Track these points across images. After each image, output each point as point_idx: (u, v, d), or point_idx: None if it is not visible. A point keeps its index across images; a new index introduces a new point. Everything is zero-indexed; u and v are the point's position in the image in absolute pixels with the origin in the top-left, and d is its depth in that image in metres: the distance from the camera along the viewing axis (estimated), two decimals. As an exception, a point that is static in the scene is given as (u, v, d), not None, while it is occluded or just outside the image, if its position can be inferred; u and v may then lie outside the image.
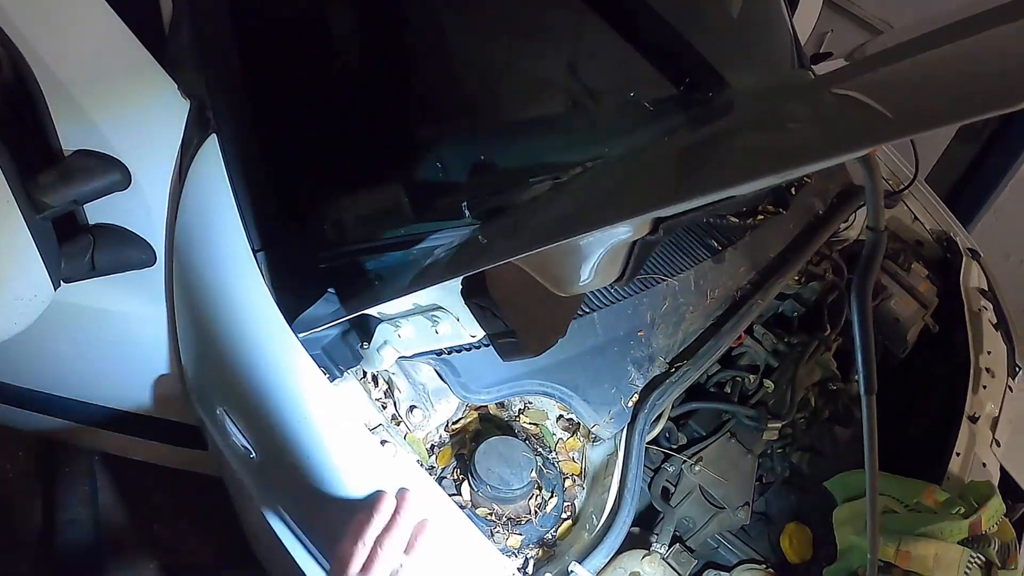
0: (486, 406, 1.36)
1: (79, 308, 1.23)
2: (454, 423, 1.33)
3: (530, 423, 1.37)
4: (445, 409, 1.21)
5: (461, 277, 0.91)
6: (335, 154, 1.22)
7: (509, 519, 1.24)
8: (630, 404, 1.30)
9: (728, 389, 1.58)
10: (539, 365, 1.21)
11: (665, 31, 1.49)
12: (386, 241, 1.18)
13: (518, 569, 1.10)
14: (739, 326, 1.47)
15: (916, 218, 2.12)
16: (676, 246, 1.51)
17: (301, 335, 1.06)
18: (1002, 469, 1.59)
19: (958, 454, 1.52)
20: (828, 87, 0.75)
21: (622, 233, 0.90)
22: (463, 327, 1.01)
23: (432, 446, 1.29)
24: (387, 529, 0.92)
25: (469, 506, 1.24)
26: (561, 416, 1.37)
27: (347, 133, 1.22)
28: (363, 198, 1.22)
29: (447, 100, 1.34)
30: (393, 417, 1.20)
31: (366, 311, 1.04)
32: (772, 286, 1.56)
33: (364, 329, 1.13)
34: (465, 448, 1.29)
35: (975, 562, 1.27)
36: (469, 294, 0.92)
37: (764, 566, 1.39)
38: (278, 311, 1.06)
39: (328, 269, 1.14)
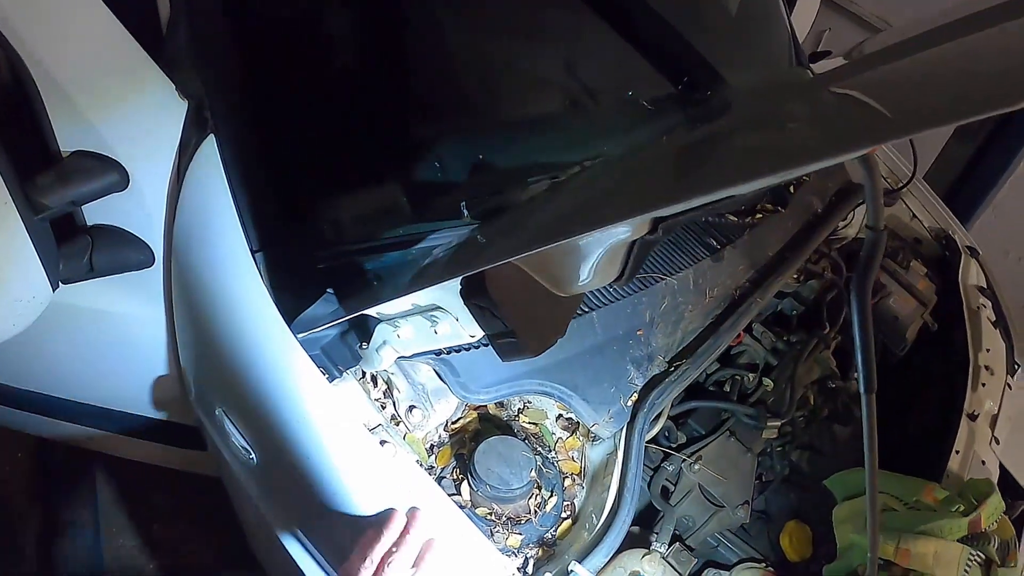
0: (485, 406, 1.36)
1: (78, 309, 1.23)
2: (453, 423, 1.33)
3: (529, 422, 1.37)
4: (444, 409, 1.21)
5: (460, 277, 0.91)
6: (333, 154, 1.21)
7: (509, 519, 1.24)
8: (629, 403, 1.30)
9: (727, 388, 1.58)
10: (538, 365, 1.21)
11: (663, 29, 1.49)
12: (385, 241, 1.18)
13: (518, 569, 1.10)
14: (738, 325, 1.47)
15: (915, 216, 2.12)
16: (675, 245, 1.51)
17: (300, 335, 1.06)
18: (1001, 467, 1.59)
19: (957, 452, 1.52)
20: (827, 86, 0.75)
21: (621, 233, 0.90)
22: (462, 327, 1.01)
23: (431, 446, 1.29)
24: (395, 547, 0.92)
25: (469, 506, 1.24)
26: (560, 415, 1.37)
27: (345, 133, 1.22)
28: (361, 198, 1.22)
29: (445, 99, 1.34)
30: (392, 417, 1.20)
31: (365, 311, 1.04)
32: (771, 284, 1.56)
33: (363, 329, 1.13)
34: (464, 448, 1.29)
35: (975, 560, 1.27)
36: (468, 294, 0.92)
37: (764, 565, 1.39)
38: (277, 312, 1.06)
39: (327, 269, 1.14)
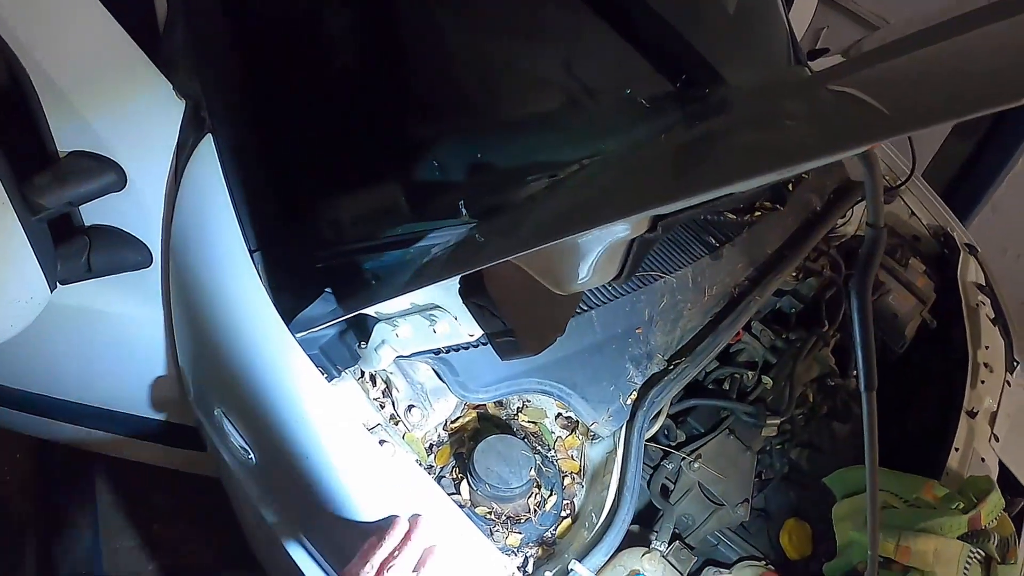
0: (484, 405, 1.36)
1: (76, 310, 1.23)
2: (452, 422, 1.33)
3: (529, 421, 1.37)
4: (443, 408, 1.21)
5: (459, 276, 0.90)
6: (331, 153, 1.21)
7: (508, 518, 1.24)
8: (629, 402, 1.30)
9: (726, 386, 1.58)
10: (537, 363, 1.21)
11: (661, 27, 1.48)
12: (383, 240, 1.17)
13: (518, 568, 1.10)
14: (737, 323, 1.47)
15: (913, 213, 2.12)
16: (674, 243, 1.51)
17: (298, 335, 1.06)
18: (1001, 464, 1.59)
19: (957, 449, 1.52)
20: (825, 83, 0.75)
21: (620, 231, 0.90)
22: (461, 326, 1.01)
23: (431, 445, 1.29)
24: (395, 553, 0.92)
25: (468, 505, 1.24)
26: (560, 414, 1.37)
27: (343, 132, 1.22)
28: (360, 197, 1.21)
29: (442, 97, 1.34)
30: (391, 416, 1.19)
31: (363, 311, 1.03)
32: (770, 282, 1.56)
33: (362, 329, 1.13)
34: (464, 447, 1.29)
35: (975, 557, 1.27)
36: (467, 293, 0.92)
37: (764, 563, 1.39)
38: (275, 311, 1.06)
39: (325, 269, 1.14)
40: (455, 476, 1.27)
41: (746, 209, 1.73)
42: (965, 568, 1.25)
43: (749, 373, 1.57)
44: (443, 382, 1.17)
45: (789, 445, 1.57)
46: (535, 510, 1.25)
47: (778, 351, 1.60)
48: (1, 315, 1.05)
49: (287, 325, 1.06)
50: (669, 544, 1.28)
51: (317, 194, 1.20)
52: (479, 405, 1.36)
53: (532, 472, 1.22)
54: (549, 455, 1.33)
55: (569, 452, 1.35)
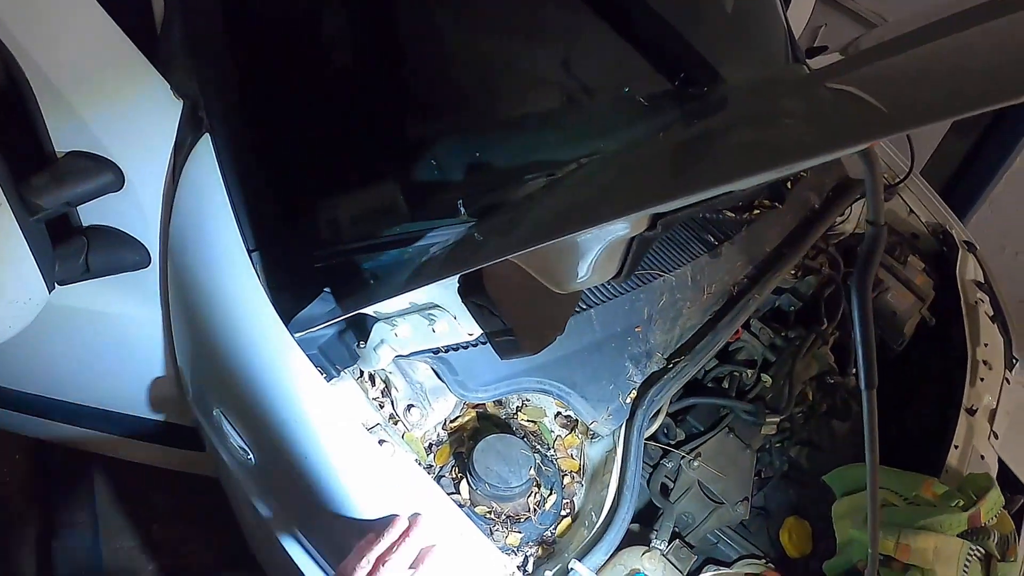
0: (484, 404, 1.36)
1: (74, 311, 1.23)
2: (452, 421, 1.33)
3: (528, 420, 1.37)
4: (443, 407, 1.21)
5: (458, 275, 0.90)
6: (329, 152, 1.21)
7: (508, 517, 1.24)
8: (628, 400, 1.30)
9: (726, 384, 1.58)
10: (537, 362, 1.21)
11: (659, 26, 1.48)
12: (382, 239, 1.17)
13: (518, 567, 1.10)
14: (736, 321, 1.47)
15: (912, 211, 2.12)
16: (672, 241, 1.51)
17: (297, 335, 1.06)
18: (1000, 461, 1.59)
19: (956, 447, 1.52)
20: (823, 81, 0.75)
21: (619, 229, 0.90)
22: (460, 325, 1.01)
23: (430, 444, 1.29)
24: (392, 549, 0.92)
25: (468, 504, 1.24)
26: (559, 413, 1.37)
27: (341, 131, 1.22)
28: (358, 196, 1.21)
29: (441, 97, 1.34)
30: (391, 416, 1.19)
31: (362, 310, 1.03)
32: (769, 281, 1.56)
33: (360, 328, 1.13)
34: (463, 446, 1.29)
35: (975, 555, 1.27)
36: (466, 292, 0.92)
37: (764, 561, 1.39)
38: (274, 311, 1.06)
39: (324, 268, 1.14)
40: (454, 475, 1.26)
41: (745, 207, 1.73)
42: (965, 566, 1.25)
43: (748, 371, 1.57)
44: (442, 381, 1.16)
45: (789, 443, 1.57)
46: (535, 509, 1.25)
47: (777, 349, 1.60)
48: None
49: (286, 325, 1.06)
50: (669, 543, 1.28)
51: (315, 193, 1.20)
52: (478, 404, 1.36)
53: (532, 471, 1.22)
54: (549, 454, 1.33)
55: (569, 451, 1.35)
